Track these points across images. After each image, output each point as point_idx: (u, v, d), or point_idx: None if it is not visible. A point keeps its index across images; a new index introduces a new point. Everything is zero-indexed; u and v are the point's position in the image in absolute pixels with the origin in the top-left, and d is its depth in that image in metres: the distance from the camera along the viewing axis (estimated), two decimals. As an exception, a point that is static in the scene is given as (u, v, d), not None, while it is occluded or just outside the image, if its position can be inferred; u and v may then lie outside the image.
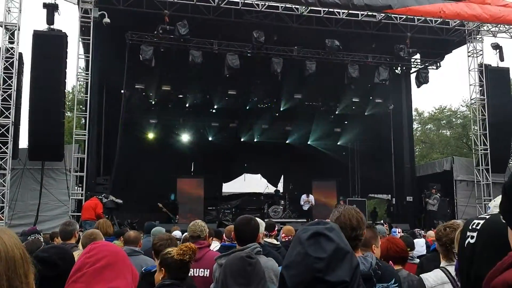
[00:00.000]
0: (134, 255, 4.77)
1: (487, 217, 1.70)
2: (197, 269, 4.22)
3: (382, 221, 17.26)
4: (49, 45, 15.03)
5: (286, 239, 7.05)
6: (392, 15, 17.14)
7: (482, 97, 18.90)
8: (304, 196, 19.91)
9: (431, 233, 7.77)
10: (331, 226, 1.38)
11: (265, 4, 16.37)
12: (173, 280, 3.13)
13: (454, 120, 37.83)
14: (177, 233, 8.55)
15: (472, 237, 1.67)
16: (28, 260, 1.31)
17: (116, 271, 1.71)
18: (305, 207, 19.73)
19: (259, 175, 26.63)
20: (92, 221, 12.19)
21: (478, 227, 1.68)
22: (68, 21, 18.14)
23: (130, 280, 1.77)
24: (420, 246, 5.48)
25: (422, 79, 18.90)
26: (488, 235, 1.63)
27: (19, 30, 14.92)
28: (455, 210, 19.02)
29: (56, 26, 15.40)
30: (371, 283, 2.50)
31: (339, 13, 16.83)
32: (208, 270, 4.19)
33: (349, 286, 1.30)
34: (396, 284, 2.69)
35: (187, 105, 21.30)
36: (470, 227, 1.71)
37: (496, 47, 18.58)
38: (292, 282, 1.30)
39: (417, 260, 4.89)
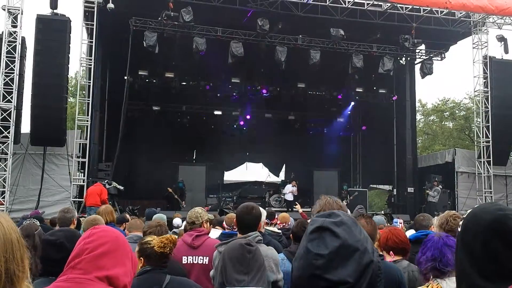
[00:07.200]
0: (141, 241, 4.77)
1: None
2: (196, 257, 4.21)
3: (382, 211, 17.25)
4: (52, 30, 14.95)
5: (281, 226, 7.17)
6: (398, 5, 17.00)
7: (485, 89, 18.81)
8: (289, 186, 18.77)
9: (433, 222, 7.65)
10: (342, 219, 1.24)
11: (270, -8, 16.25)
12: (153, 266, 3.11)
13: (457, 112, 37.68)
14: (177, 221, 8.57)
15: None
16: (23, 245, 1.30)
17: (115, 258, 1.68)
18: (289, 197, 18.43)
19: (260, 164, 26.62)
20: (97, 207, 12.17)
21: None
22: (72, 5, 18.06)
23: (129, 267, 1.73)
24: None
25: (427, 70, 18.77)
26: None
27: (22, 14, 14.86)
28: (456, 201, 19.02)
29: (59, 10, 15.35)
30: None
31: (344, 2, 16.69)
32: (207, 258, 4.17)
33: (354, 287, 1.20)
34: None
35: (190, 93, 21.21)
36: None
37: (501, 39, 18.46)
38: (294, 275, 1.26)
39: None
